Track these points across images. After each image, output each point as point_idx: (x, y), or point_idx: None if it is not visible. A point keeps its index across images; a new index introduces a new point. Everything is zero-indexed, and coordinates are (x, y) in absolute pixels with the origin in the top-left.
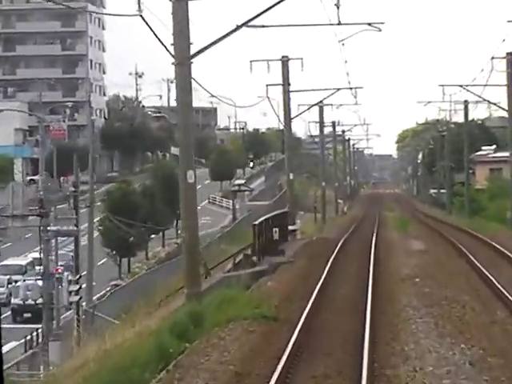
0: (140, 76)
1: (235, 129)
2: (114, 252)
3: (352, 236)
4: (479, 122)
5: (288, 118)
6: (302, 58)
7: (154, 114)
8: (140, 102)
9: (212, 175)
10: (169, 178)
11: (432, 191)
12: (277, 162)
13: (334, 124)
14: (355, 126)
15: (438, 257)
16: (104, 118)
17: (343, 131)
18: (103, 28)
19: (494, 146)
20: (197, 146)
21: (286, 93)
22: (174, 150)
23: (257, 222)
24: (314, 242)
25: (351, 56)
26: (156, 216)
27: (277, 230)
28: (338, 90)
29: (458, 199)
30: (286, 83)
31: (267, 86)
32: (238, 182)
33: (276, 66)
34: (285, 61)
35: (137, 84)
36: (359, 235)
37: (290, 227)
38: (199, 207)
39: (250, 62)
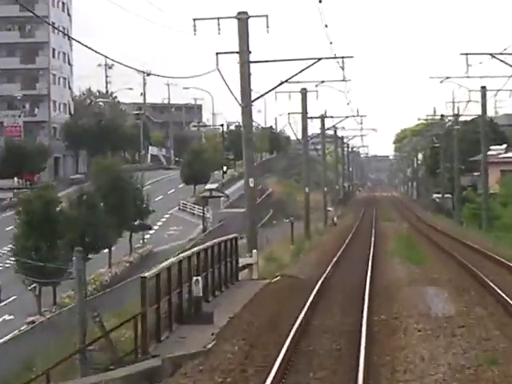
0: (110, 67)
1: (210, 126)
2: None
3: (336, 272)
4: (487, 119)
5: (247, 98)
6: (266, 15)
7: (135, 112)
8: (115, 97)
9: (184, 178)
10: (114, 181)
11: (435, 196)
12: (260, 162)
13: (322, 118)
14: (347, 117)
15: (486, 339)
16: (69, 113)
17: (335, 128)
18: (68, 14)
19: (504, 146)
20: (177, 144)
21: (245, 64)
22: (153, 150)
23: (150, 273)
24: (272, 289)
25: (338, 27)
26: (96, 230)
27: (199, 279)
28: (319, 59)
29: (468, 206)
30: (243, 50)
31: (217, 54)
32: (209, 186)
33: (233, 27)
34: (242, 18)
35: (106, 76)
36: (346, 270)
37: (244, 260)
38: (167, 215)
39: (194, 20)
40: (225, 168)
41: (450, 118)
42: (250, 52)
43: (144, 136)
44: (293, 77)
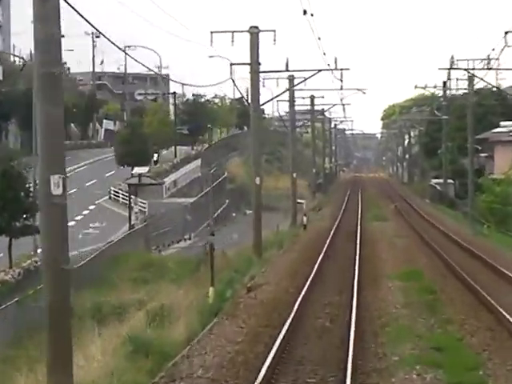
0: None
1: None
2: None
3: None
4: (495, 89)
5: None
6: None
7: (96, 82)
8: (64, 63)
9: (118, 158)
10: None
11: (434, 181)
12: (223, 139)
13: (290, 79)
14: (319, 71)
15: None
16: None
17: (312, 97)
18: None
19: None
20: (135, 118)
21: None
22: (109, 125)
23: None
24: None
25: None
26: None
27: None
28: None
29: (484, 199)
30: None
31: None
32: (137, 170)
33: None
34: None
35: None
36: None
37: None
38: (93, 206)
39: None
40: (155, 156)
41: (463, 76)
42: None
43: (94, 108)
44: None
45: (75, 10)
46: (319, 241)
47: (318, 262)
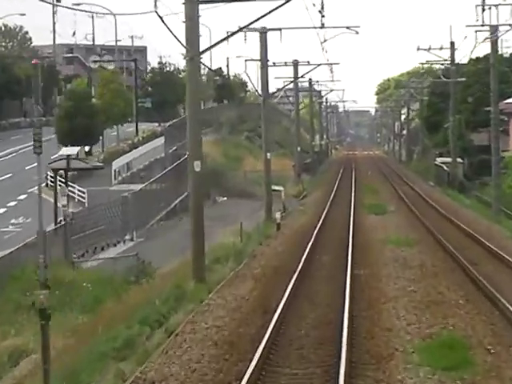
0: None
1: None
2: None
3: None
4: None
5: None
6: None
7: (65, 55)
8: (25, 32)
9: (59, 136)
10: None
11: (440, 160)
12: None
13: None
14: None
15: None
16: None
17: (295, 63)
18: None
19: None
20: None
21: None
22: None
23: None
24: None
25: None
26: None
27: None
28: None
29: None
30: None
31: None
32: (64, 150)
33: None
34: None
35: None
36: None
37: None
38: (24, 196)
39: None
40: (86, 148)
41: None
42: None
43: (54, 82)
44: None
45: None
46: (293, 253)
47: (281, 305)
